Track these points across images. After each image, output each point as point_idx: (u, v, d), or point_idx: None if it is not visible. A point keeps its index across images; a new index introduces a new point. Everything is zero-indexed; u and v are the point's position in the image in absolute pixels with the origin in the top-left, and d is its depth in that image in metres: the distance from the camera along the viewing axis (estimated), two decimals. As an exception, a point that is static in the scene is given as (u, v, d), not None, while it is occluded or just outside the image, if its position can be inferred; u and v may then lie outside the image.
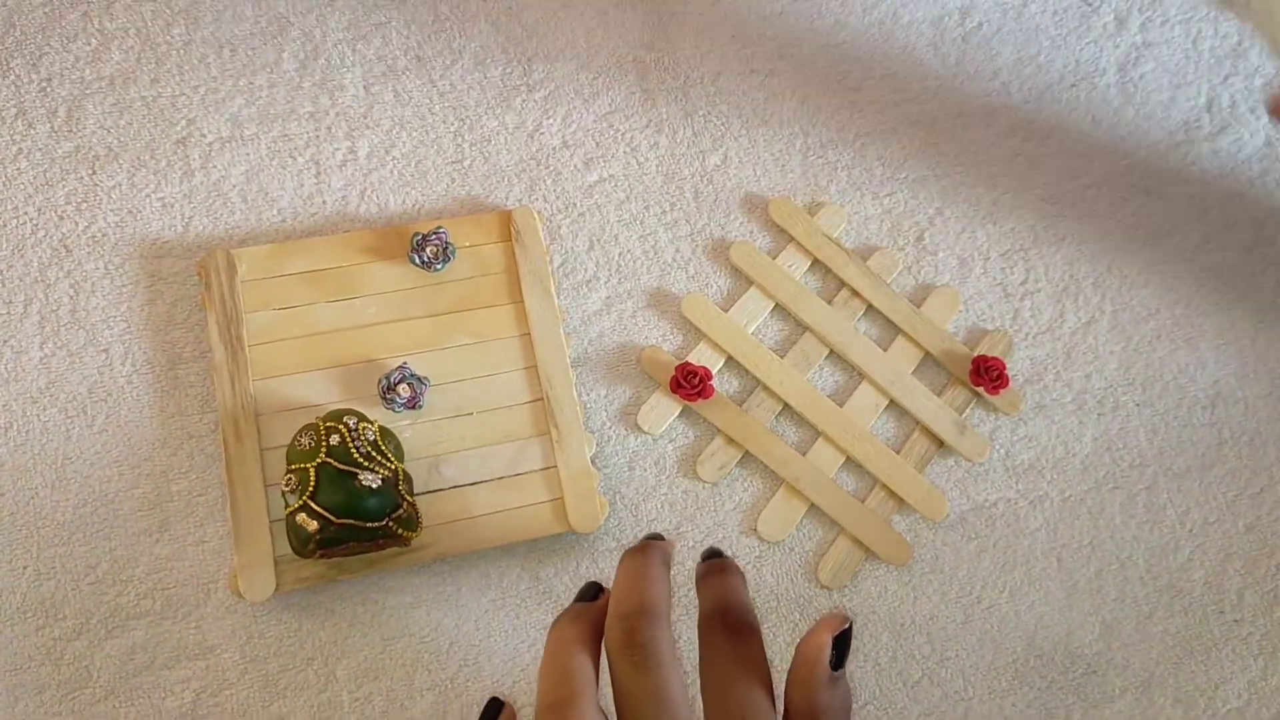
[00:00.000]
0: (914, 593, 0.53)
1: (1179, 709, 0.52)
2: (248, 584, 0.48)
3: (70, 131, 0.55)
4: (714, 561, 0.38)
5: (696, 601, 0.37)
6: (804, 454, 0.54)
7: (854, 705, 0.51)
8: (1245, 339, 0.58)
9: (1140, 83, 0.62)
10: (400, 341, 0.52)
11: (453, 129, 0.57)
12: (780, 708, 0.34)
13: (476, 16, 0.59)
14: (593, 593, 0.37)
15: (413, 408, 0.51)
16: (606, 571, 0.51)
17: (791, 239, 0.57)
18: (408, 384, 0.50)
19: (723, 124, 0.59)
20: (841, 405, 0.55)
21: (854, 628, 0.33)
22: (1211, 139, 0.62)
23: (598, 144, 0.58)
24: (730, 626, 0.35)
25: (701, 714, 0.33)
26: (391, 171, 0.56)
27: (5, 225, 0.53)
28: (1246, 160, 0.61)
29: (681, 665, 0.33)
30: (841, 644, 0.33)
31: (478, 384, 0.52)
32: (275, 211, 0.55)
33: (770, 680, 0.34)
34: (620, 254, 0.56)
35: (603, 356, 0.54)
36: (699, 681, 0.34)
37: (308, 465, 0.45)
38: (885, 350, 0.56)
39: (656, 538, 0.38)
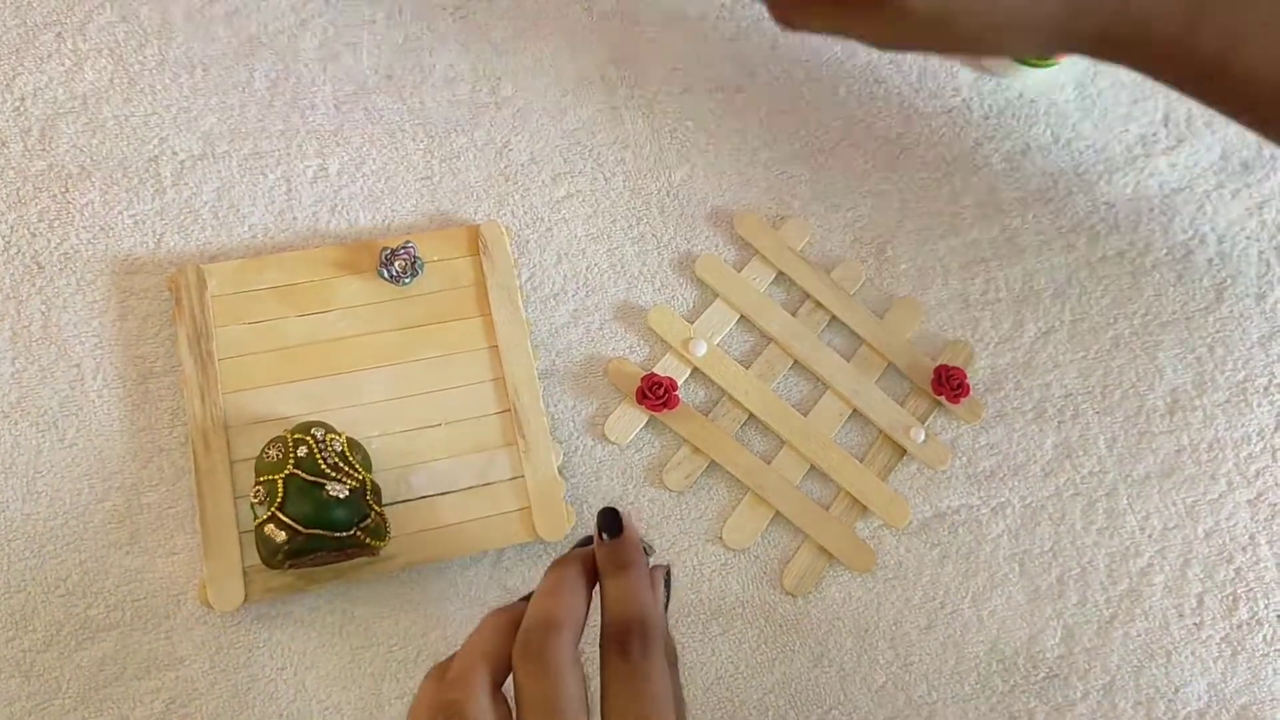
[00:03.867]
0: (878, 599, 0.53)
1: (1140, 712, 0.53)
2: (217, 595, 0.48)
3: (44, 150, 0.55)
4: (613, 546, 0.34)
5: (682, 606, 0.35)
6: (769, 463, 0.54)
7: (819, 711, 0.51)
8: (1203, 348, 0.59)
9: (1099, 98, 0.64)
10: (369, 354, 0.53)
11: (422, 145, 0.58)
12: None
13: (446, 36, 0.60)
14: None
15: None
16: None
17: (756, 252, 0.58)
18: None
19: (688, 139, 0.60)
20: (806, 415, 0.56)
21: (674, 571, 0.31)
22: (1168, 152, 0.63)
23: (565, 160, 0.59)
24: (625, 648, 0.32)
25: None
26: (361, 187, 0.57)
27: (-22, 242, 0.53)
28: (1203, 173, 0.63)
29: (583, 675, 0.32)
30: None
31: (446, 396, 0.53)
32: (246, 228, 0.55)
33: (671, 704, 0.32)
34: (587, 267, 0.57)
35: (570, 368, 0.55)
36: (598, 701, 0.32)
37: (275, 476, 0.46)
38: (849, 361, 0.57)
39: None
